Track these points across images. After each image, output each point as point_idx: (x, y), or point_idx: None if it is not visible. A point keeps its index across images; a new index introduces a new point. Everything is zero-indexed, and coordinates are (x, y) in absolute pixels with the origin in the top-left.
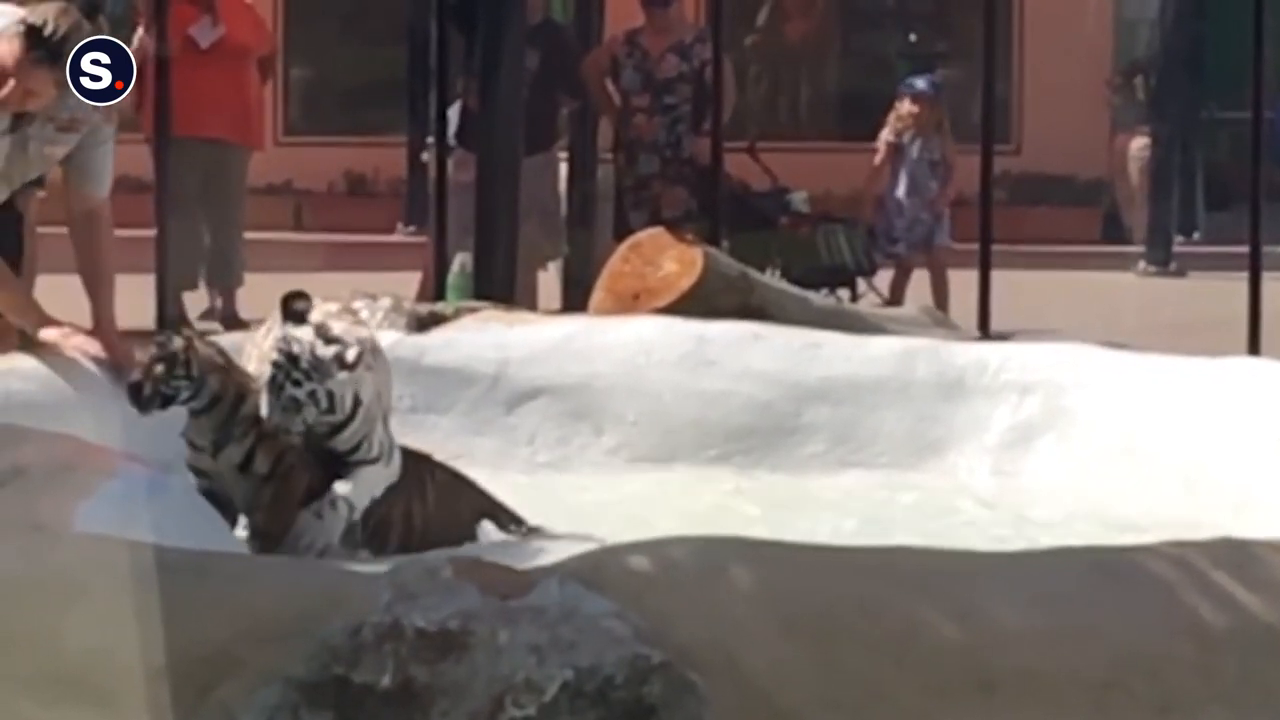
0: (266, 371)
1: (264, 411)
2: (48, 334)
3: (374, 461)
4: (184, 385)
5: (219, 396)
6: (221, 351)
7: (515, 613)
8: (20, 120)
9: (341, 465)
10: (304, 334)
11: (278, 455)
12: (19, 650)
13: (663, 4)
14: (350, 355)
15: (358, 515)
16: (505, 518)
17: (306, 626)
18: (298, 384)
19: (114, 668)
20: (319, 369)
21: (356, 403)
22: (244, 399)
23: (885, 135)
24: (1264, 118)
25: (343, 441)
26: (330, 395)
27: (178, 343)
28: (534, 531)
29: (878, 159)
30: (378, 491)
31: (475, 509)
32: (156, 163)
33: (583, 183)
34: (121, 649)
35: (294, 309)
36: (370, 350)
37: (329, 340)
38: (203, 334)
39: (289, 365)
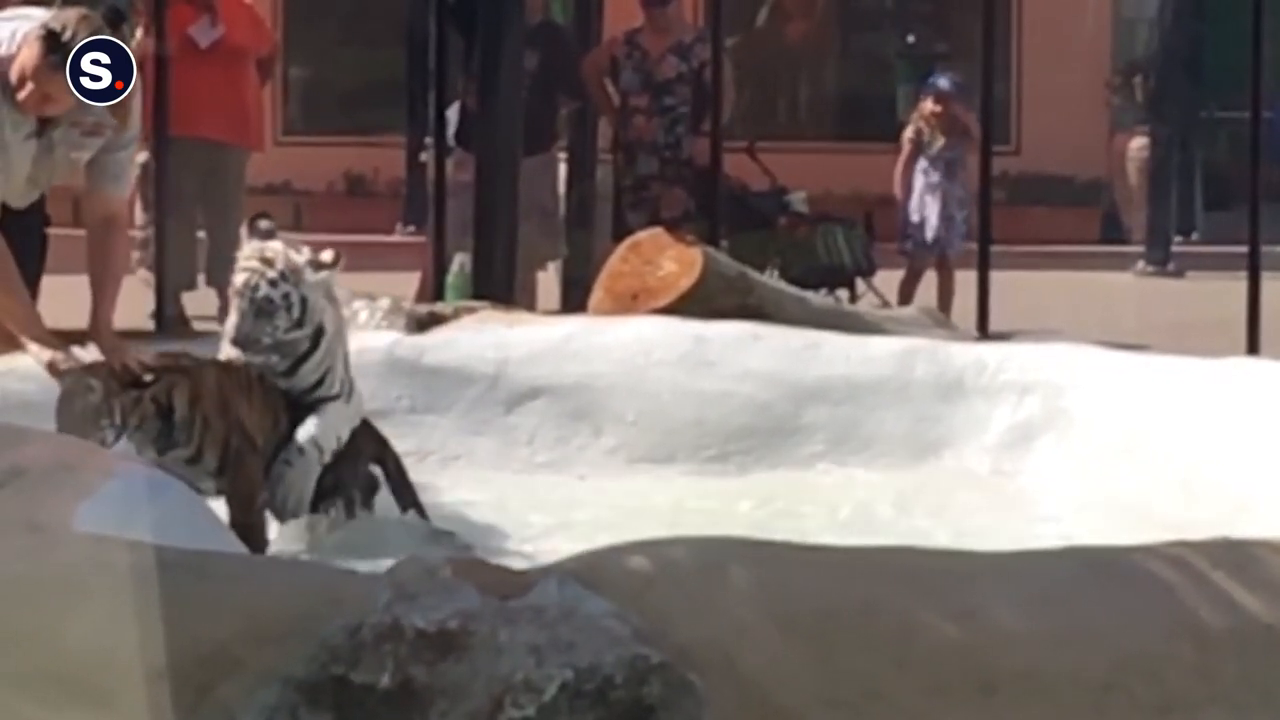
0: (240, 278)
1: (235, 323)
2: (35, 355)
3: (335, 398)
4: (109, 432)
5: (141, 421)
6: (135, 376)
7: (514, 613)
8: (46, 125)
9: (303, 409)
10: (276, 245)
11: (223, 445)
12: (19, 650)
13: (662, 4)
14: (326, 256)
15: (328, 457)
16: (394, 467)
17: (306, 626)
18: (274, 284)
19: (114, 668)
20: (294, 273)
21: (319, 333)
22: (171, 408)
23: (908, 134)
24: (1263, 118)
25: (305, 376)
26: (304, 302)
27: (91, 390)
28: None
29: (902, 158)
30: (344, 431)
31: (368, 452)
32: (156, 163)
33: (582, 183)
34: (121, 649)
35: (260, 228)
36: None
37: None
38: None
39: (264, 267)
